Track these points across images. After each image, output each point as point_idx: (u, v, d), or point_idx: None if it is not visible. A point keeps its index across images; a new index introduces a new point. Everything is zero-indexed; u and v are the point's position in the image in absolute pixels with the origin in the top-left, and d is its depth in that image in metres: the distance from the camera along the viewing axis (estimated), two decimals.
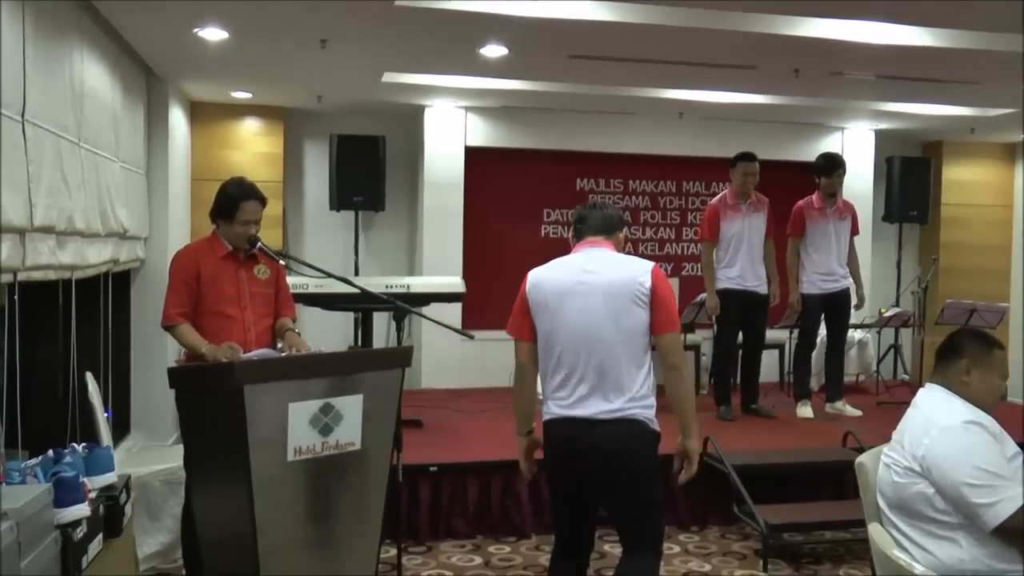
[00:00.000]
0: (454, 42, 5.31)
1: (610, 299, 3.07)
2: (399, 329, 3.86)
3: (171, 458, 4.48)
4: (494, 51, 5.48)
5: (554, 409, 3.14)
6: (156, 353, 5.83)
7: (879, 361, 8.16)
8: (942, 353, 2.79)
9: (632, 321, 3.06)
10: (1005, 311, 6.81)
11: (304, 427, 3.20)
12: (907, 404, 6.55)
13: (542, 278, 3.19)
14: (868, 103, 7.41)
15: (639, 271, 3.10)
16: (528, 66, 5.97)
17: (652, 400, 3.13)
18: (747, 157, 6.31)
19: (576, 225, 3.30)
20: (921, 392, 2.82)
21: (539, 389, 3.28)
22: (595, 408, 3.06)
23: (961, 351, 2.74)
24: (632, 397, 3.06)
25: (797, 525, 4.77)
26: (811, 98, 7.15)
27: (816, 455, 5.39)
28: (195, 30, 4.96)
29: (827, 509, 5.00)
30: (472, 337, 3.85)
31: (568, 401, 3.10)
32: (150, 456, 4.85)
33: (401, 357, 3.58)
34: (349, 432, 3.35)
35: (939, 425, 2.60)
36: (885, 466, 2.76)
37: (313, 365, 3.30)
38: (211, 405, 3.21)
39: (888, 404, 6.93)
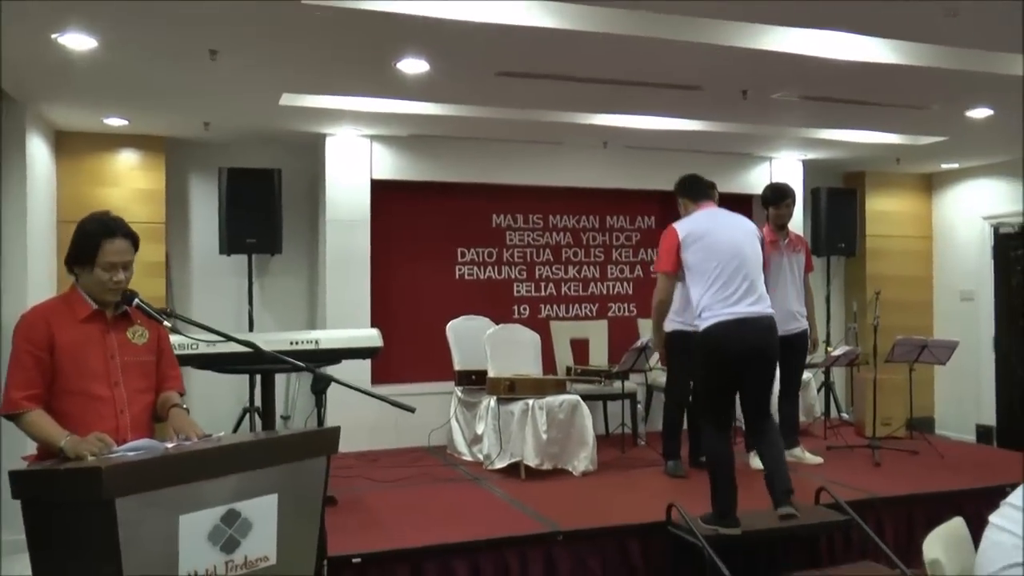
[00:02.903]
0: (367, 53, 4.59)
1: (744, 235, 4.56)
2: (319, 404, 3.07)
3: (24, 568, 3.55)
4: (412, 66, 4.79)
5: (722, 311, 4.37)
6: (14, 431, 4.83)
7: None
8: None
9: (756, 251, 4.56)
10: (955, 346, 6.45)
11: (201, 544, 2.41)
12: (857, 447, 6.29)
13: (689, 226, 4.60)
14: (798, 130, 7.02)
15: (752, 224, 4.73)
16: (450, 85, 5.27)
17: None
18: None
19: (689, 192, 4.84)
20: None
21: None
22: (756, 309, 4.41)
23: None
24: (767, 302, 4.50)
25: None
26: (744, 124, 6.72)
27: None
28: (54, 36, 4.08)
29: None
30: (413, 411, 3.10)
31: (732, 305, 4.37)
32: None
33: (326, 442, 2.80)
34: (261, 544, 2.57)
35: None
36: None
37: (211, 462, 2.49)
38: (71, 522, 2.37)
39: (838, 448, 6.48)
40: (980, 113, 6.12)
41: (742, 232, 4.58)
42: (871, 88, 5.38)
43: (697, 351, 4.53)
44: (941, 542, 2.40)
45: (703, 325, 4.44)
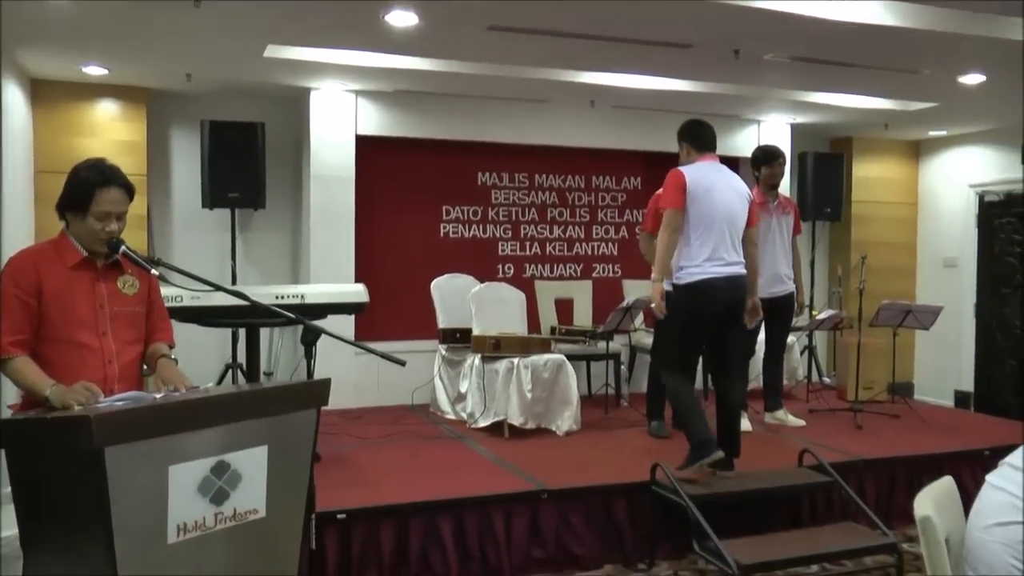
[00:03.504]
0: (356, 4, 4.49)
1: (738, 197, 4.63)
2: (309, 356, 3.03)
3: (10, 521, 3.49)
4: (402, 18, 4.69)
5: (710, 270, 4.48)
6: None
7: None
8: None
9: (744, 214, 4.65)
10: (940, 311, 6.47)
11: (191, 496, 2.37)
12: (839, 410, 6.34)
13: (695, 174, 4.56)
14: (787, 93, 6.97)
15: (746, 187, 4.78)
16: (440, 39, 5.17)
17: None
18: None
19: (695, 141, 4.72)
20: None
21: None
22: (736, 269, 4.55)
23: None
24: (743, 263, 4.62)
25: (775, 563, 4.11)
26: (733, 86, 6.66)
27: (777, 478, 4.81)
28: None
29: (803, 540, 4.39)
30: (403, 364, 3.06)
31: (719, 265, 4.49)
32: None
33: (317, 393, 2.77)
34: (251, 496, 2.54)
35: None
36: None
37: (201, 411, 2.45)
38: (58, 472, 2.32)
39: (820, 411, 6.51)
40: (972, 79, 6.09)
41: (737, 194, 4.65)
42: (864, 50, 5.33)
43: (678, 302, 4.53)
44: (932, 500, 2.39)
45: (687, 279, 4.49)
